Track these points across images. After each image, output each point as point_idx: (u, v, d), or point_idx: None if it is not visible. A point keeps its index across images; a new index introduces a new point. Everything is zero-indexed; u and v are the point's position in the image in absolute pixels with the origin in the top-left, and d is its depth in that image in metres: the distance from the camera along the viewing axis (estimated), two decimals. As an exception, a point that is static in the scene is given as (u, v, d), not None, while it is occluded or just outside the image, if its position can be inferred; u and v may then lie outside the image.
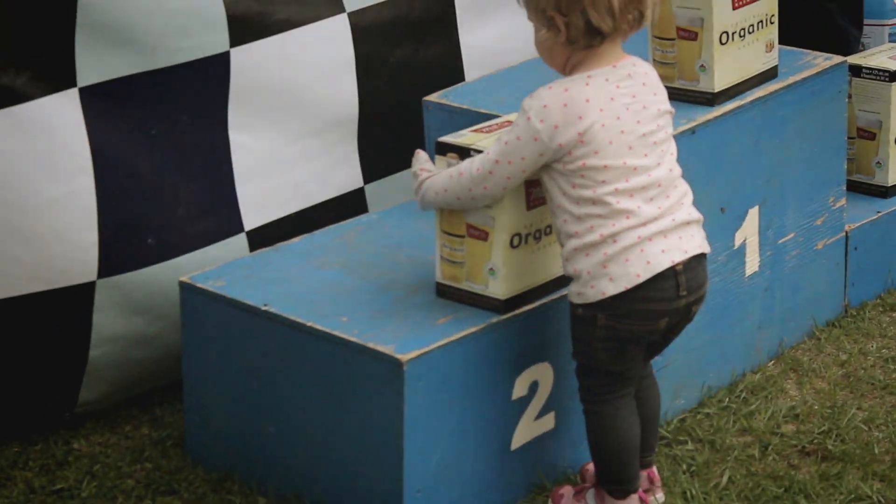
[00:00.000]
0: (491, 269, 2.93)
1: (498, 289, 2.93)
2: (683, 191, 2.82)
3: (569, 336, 3.03)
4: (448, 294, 3.01)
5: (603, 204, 2.74)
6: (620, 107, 2.75)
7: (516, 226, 2.91)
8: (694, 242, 2.80)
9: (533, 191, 2.98)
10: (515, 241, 2.92)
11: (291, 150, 3.50)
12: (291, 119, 3.49)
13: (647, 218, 2.76)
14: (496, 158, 2.78)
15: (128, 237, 3.19)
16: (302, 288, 3.14)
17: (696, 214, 2.81)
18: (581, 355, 2.87)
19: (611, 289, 2.75)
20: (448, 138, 2.99)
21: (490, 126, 3.05)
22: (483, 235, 2.92)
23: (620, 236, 2.74)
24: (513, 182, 2.79)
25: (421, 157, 2.96)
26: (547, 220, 3.05)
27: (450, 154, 2.94)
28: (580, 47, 2.77)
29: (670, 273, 2.77)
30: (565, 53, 2.79)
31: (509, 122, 3.04)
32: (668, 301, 2.80)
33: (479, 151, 2.93)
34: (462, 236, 2.97)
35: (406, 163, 3.59)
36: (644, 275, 2.74)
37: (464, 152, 2.93)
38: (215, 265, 3.30)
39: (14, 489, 3.12)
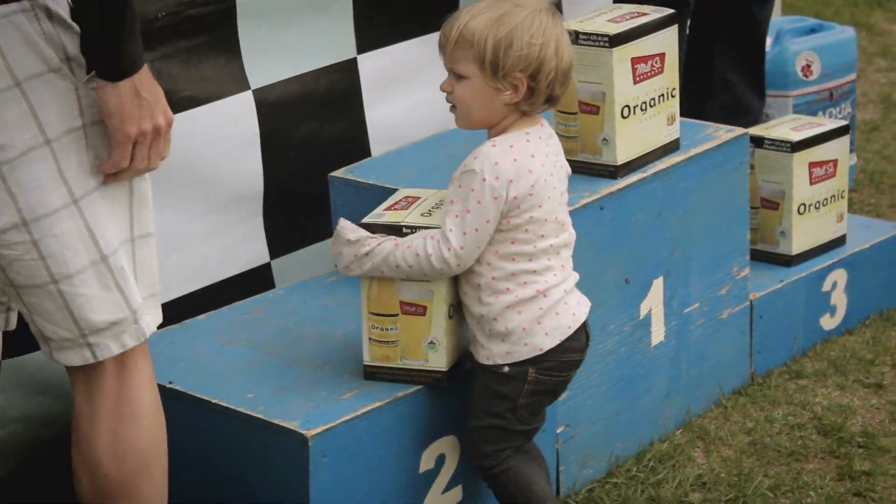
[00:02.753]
0: (431, 342, 2.94)
1: (440, 361, 2.95)
2: None
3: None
4: (379, 375, 3.00)
5: (539, 259, 2.80)
6: (551, 164, 2.83)
7: (452, 296, 2.94)
8: (584, 297, 2.91)
9: None
10: (451, 312, 2.95)
11: (196, 226, 3.52)
12: (196, 196, 3.51)
13: (568, 273, 2.85)
14: (463, 231, 2.78)
15: (30, 317, 3.20)
16: (208, 365, 3.13)
17: None
18: (498, 417, 2.88)
19: (547, 343, 2.82)
20: (371, 219, 2.99)
21: (398, 202, 3.05)
22: (421, 311, 2.94)
23: (551, 291, 2.81)
24: (482, 249, 2.81)
25: (348, 224, 2.91)
26: None
27: (378, 235, 2.94)
28: (525, 109, 2.82)
29: (582, 325, 2.87)
30: (506, 112, 2.82)
31: (414, 197, 3.07)
32: (581, 351, 2.90)
33: (412, 228, 2.93)
34: (395, 315, 2.97)
35: (313, 237, 3.68)
36: (572, 327, 2.83)
37: (394, 231, 2.93)
38: None
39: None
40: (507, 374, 2.84)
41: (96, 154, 2.60)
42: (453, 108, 2.89)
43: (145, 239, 2.68)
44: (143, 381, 2.71)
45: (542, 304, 2.81)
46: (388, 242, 2.84)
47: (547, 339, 2.82)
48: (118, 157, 2.60)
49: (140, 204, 2.68)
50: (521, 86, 2.75)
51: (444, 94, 2.89)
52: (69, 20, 2.57)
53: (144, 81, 2.60)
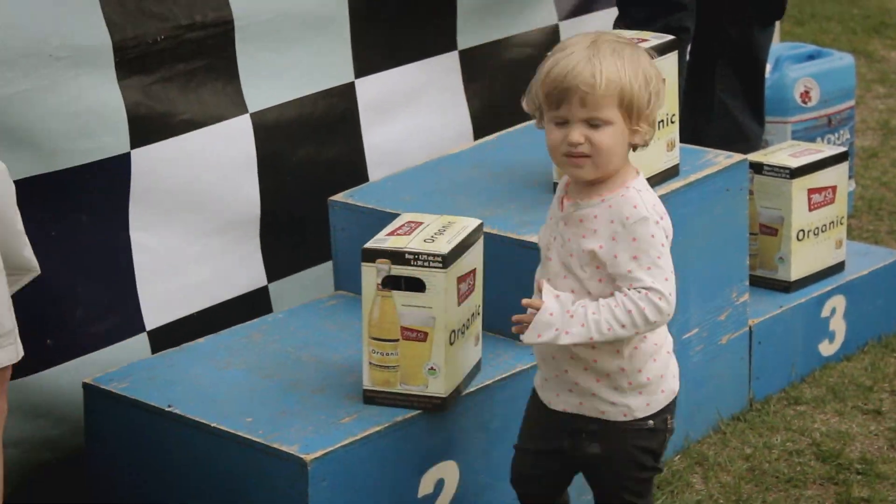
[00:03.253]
0: (431, 368, 2.96)
1: (439, 387, 2.96)
2: None
3: (474, 433, 3.07)
4: (378, 400, 3.00)
5: None
6: None
7: (453, 323, 2.95)
8: None
9: (461, 286, 3.01)
10: (452, 339, 2.96)
11: (193, 249, 3.53)
12: (193, 218, 3.52)
13: None
14: (665, 277, 2.67)
15: (27, 339, 3.10)
16: (206, 388, 3.14)
17: None
18: (651, 470, 2.83)
19: (676, 385, 2.79)
20: (374, 244, 2.97)
21: (400, 227, 3.05)
22: (422, 337, 2.94)
23: (667, 331, 2.79)
24: None
25: (549, 290, 2.75)
26: (469, 313, 3.08)
27: (379, 260, 2.93)
28: (641, 146, 2.76)
29: None
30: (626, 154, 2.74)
31: (417, 222, 3.06)
32: None
33: (414, 254, 2.91)
34: (395, 340, 2.97)
35: (311, 261, 3.71)
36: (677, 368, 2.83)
37: (397, 257, 2.91)
38: (117, 365, 3.27)
39: None
40: (651, 428, 2.78)
41: None
42: (582, 158, 2.67)
43: None
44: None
45: (668, 347, 2.78)
46: (583, 308, 2.69)
47: (675, 381, 2.79)
48: None
49: None
50: (652, 124, 2.70)
51: (559, 145, 2.68)
52: None
53: None
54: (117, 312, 3.42)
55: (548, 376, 2.83)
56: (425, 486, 3.01)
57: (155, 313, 3.47)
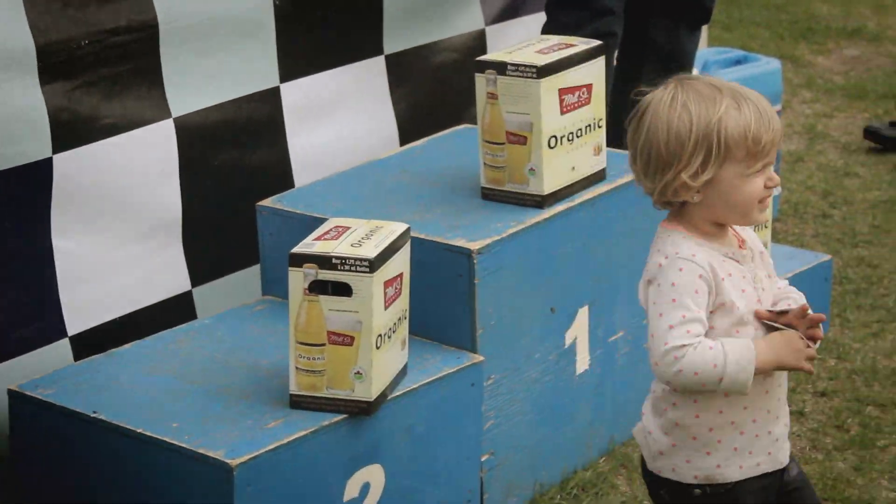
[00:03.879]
0: (357, 372, 2.98)
1: (365, 391, 2.98)
2: None
3: (400, 437, 3.09)
4: (305, 404, 3.01)
5: None
6: None
7: (380, 327, 2.97)
8: None
9: (388, 290, 3.04)
10: (379, 343, 2.97)
11: (116, 254, 3.52)
12: (116, 223, 3.52)
13: None
14: None
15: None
16: (132, 394, 3.14)
17: None
18: None
19: None
20: (301, 249, 2.97)
21: (328, 231, 3.05)
22: (348, 341, 2.95)
23: None
24: None
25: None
26: (396, 317, 3.08)
27: (306, 265, 2.94)
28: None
29: None
30: None
31: (344, 227, 3.07)
32: None
33: (341, 259, 2.91)
34: (322, 345, 2.98)
35: (236, 265, 3.73)
36: None
37: (324, 261, 2.92)
38: (39, 371, 3.26)
39: None
40: None
41: None
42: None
43: None
44: None
45: None
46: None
47: None
48: None
49: None
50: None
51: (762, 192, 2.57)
52: None
53: None
54: (39, 318, 3.41)
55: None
56: (351, 490, 3.03)
57: (77, 319, 3.47)
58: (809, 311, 2.58)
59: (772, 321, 2.58)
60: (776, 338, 2.56)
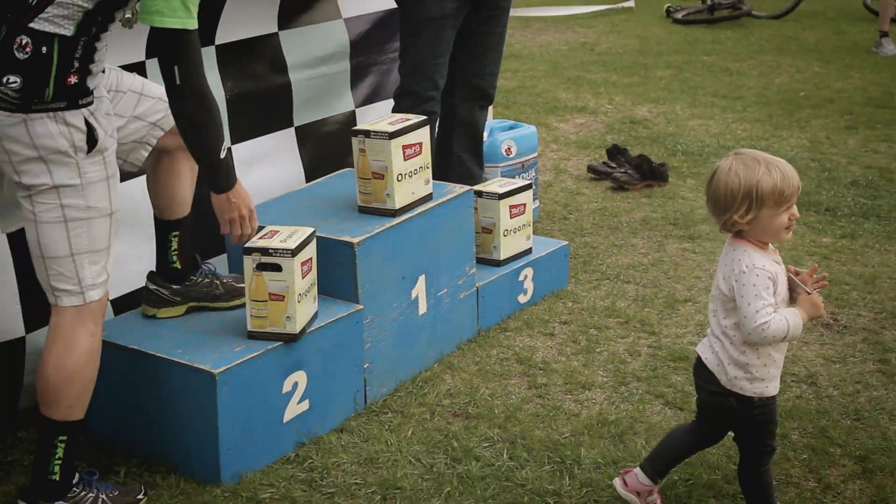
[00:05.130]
0: (287, 317, 2.98)
1: (293, 328, 2.99)
2: None
3: (314, 354, 3.09)
4: (256, 336, 2.99)
5: None
6: None
7: (300, 289, 2.98)
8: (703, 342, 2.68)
9: (304, 268, 2.99)
10: (300, 299, 2.98)
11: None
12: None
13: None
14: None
15: None
16: (154, 333, 3.08)
17: None
18: None
19: None
20: (250, 244, 2.90)
21: (266, 234, 2.98)
22: (281, 298, 2.96)
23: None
24: None
25: None
26: (309, 283, 3.03)
27: (254, 253, 2.92)
28: None
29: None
30: None
31: (275, 230, 3.01)
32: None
33: (275, 249, 2.87)
34: (265, 301, 2.97)
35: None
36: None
37: (264, 251, 2.91)
38: None
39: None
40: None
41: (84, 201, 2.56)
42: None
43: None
44: (86, 329, 2.63)
45: None
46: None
47: None
48: (223, 229, 2.89)
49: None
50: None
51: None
52: (78, 124, 2.51)
53: (234, 192, 2.82)
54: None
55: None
56: (286, 387, 3.05)
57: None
58: (810, 278, 2.58)
59: (802, 282, 2.56)
60: (805, 302, 2.55)
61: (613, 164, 5.43)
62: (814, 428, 3.21)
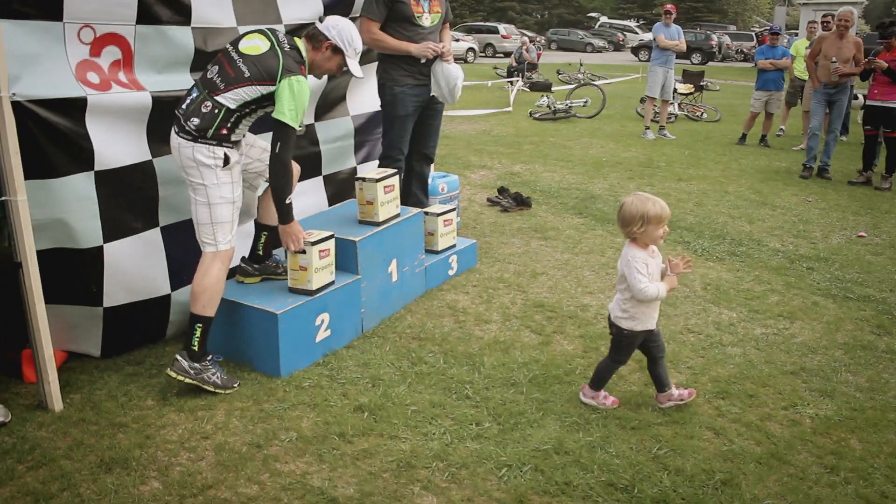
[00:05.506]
0: (308, 280, 2.88)
1: (311, 287, 2.88)
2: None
3: (331, 302, 2.93)
4: (293, 290, 2.88)
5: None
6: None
7: (316, 265, 2.81)
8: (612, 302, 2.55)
9: (322, 254, 2.84)
10: (316, 270, 2.84)
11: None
12: None
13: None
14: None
15: None
16: (244, 289, 2.98)
17: None
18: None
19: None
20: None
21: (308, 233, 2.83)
22: (304, 269, 2.87)
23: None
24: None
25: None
26: (327, 263, 2.88)
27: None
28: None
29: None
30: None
31: (310, 232, 2.90)
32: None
33: (305, 243, 2.72)
34: (297, 269, 2.85)
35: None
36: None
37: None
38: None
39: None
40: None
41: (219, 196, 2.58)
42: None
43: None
44: (216, 265, 2.65)
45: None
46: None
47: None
48: (284, 245, 2.83)
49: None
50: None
51: None
52: (219, 153, 2.57)
53: (290, 226, 2.80)
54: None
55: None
56: (317, 321, 2.96)
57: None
58: (682, 264, 2.45)
59: (672, 266, 2.45)
60: (668, 279, 2.46)
61: (501, 197, 5.34)
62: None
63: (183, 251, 2.90)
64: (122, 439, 2.39)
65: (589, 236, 4.50)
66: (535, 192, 5.68)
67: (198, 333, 2.65)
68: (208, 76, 2.62)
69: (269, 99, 2.62)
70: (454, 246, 3.95)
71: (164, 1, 2.66)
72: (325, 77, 3.47)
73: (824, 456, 2.39)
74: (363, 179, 3.33)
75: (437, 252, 3.84)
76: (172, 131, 2.60)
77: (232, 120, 2.62)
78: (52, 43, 2.32)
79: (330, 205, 3.90)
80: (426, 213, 3.82)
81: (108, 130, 2.53)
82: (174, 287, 2.95)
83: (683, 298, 3.58)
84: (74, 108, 2.41)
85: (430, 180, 4.39)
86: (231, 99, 2.60)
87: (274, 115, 2.62)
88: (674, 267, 2.49)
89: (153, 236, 2.82)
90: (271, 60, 2.56)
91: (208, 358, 2.70)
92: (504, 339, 3.16)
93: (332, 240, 3.06)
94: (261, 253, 3.08)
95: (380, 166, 3.96)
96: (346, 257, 3.22)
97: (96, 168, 2.53)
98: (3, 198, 2.21)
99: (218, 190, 2.63)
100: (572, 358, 2.93)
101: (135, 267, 2.76)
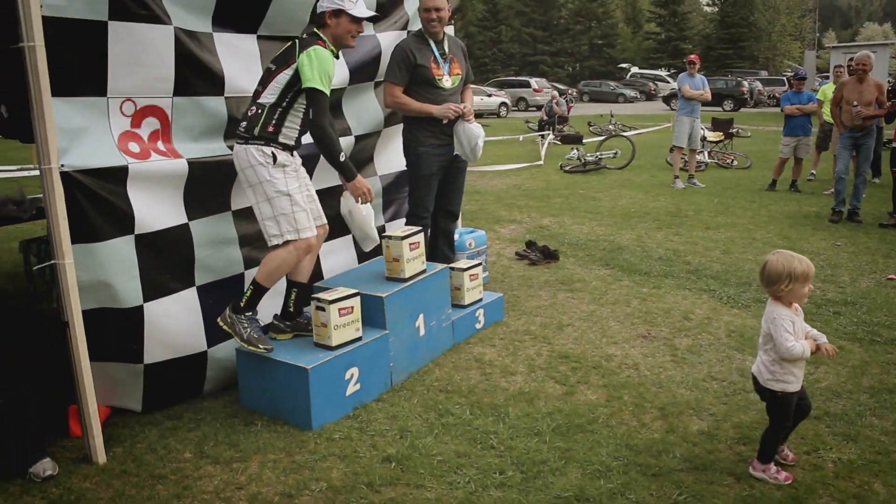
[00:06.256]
0: (329, 336, 2.80)
1: (331, 343, 2.85)
2: None
3: (360, 358, 2.95)
4: (318, 345, 2.83)
5: None
6: None
7: (336, 323, 2.78)
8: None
9: (342, 312, 2.85)
10: (336, 327, 2.76)
11: None
12: None
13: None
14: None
15: None
16: (276, 346, 2.99)
17: None
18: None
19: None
20: (317, 298, 2.77)
21: (328, 290, 2.88)
22: (324, 326, 2.75)
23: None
24: None
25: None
26: (350, 320, 2.88)
27: (314, 301, 2.80)
28: None
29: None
30: None
31: (334, 289, 2.93)
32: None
33: (326, 300, 2.75)
34: (318, 326, 2.78)
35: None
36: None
37: (321, 302, 2.72)
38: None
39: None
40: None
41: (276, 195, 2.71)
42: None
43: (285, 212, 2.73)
44: (285, 250, 2.77)
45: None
46: None
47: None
48: (355, 200, 2.95)
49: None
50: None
51: None
52: (268, 152, 2.69)
53: (357, 180, 2.90)
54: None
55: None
56: (347, 375, 2.98)
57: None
58: (832, 352, 2.39)
59: (821, 347, 2.38)
60: (811, 341, 2.40)
61: (529, 251, 5.36)
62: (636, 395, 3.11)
63: (218, 309, 2.94)
64: (161, 490, 2.44)
65: (615, 287, 4.48)
66: (563, 245, 5.63)
67: (248, 293, 2.81)
68: (254, 92, 2.81)
69: (298, 80, 2.72)
70: (481, 300, 3.92)
71: (200, 74, 2.73)
72: (353, 138, 3.54)
73: (846, 500, 2.34)
74: (389, 237, 3.34)
75: (463, 306, 3.83)
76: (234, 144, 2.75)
77: (276, 117, 2.73)
78: (98, 116, 2.40)
79: (359, 262, 3.90)
80: (452, 269, 3.81)
81: (148, 196, 2.57)
82: (210, 344, 2.96)
83: (707, 346, 3.59)
84: (117, 176, 2.47)
85: (457, 236, 4.46)
86: (268, 95, 2.74)
87: (303, 85, 2.71)
88: (826, 350, 2.41)
89: (190, 295, 2.84)
90: (289, 48, 2.75)
91: (247, 314, 2.81)
92: (529, 390, 3.15)
93: (355, 298, 3.02)
94: (292, 310, 3.13)
95: (406, 224, 3.98)
96: (374, 313, 3.23)
97: (136, 232, 2.56)
98: (52, 261, 2.27)
99: (272, 185, 2.75)
100: (595, 407, 2.93)
101: (173, 325, 2.79)
